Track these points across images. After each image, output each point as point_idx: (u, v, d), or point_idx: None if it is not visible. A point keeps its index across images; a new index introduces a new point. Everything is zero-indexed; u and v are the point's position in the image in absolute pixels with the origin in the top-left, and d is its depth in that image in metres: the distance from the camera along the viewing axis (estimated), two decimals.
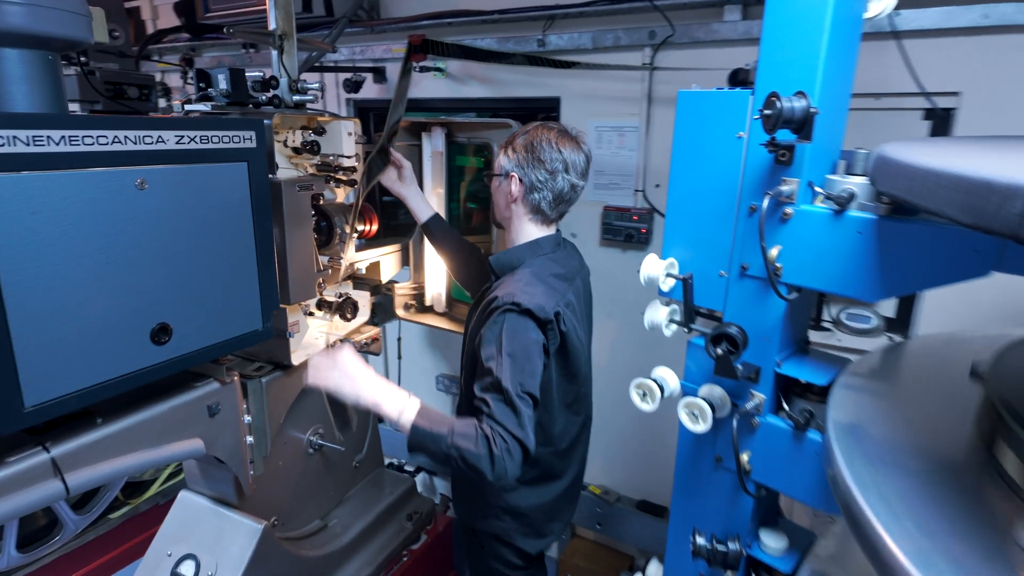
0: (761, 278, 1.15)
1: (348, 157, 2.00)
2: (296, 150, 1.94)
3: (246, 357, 1.97)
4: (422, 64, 2.55)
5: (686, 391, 1.32)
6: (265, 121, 1.68)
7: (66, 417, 1.30)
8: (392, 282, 2.39)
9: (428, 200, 2.36)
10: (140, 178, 1.29)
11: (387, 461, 2.77)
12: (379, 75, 2.79)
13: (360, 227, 2.18)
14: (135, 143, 1.28)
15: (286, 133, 1.93)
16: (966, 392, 0.99)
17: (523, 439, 1.27)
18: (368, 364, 1.56)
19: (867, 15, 1.16)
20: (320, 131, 1.96)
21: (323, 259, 2.03)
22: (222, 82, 1.70)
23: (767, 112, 0.99)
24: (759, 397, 1.21)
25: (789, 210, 1.10)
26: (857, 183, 1.06)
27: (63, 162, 1.16)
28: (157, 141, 1.32)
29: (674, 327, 1.29)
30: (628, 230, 2.40)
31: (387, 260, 2.35)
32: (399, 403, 1.38)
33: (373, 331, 2.27)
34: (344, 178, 1.99)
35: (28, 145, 1.10)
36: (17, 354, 1.13)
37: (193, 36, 3.14)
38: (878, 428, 0.97)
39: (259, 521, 1.91)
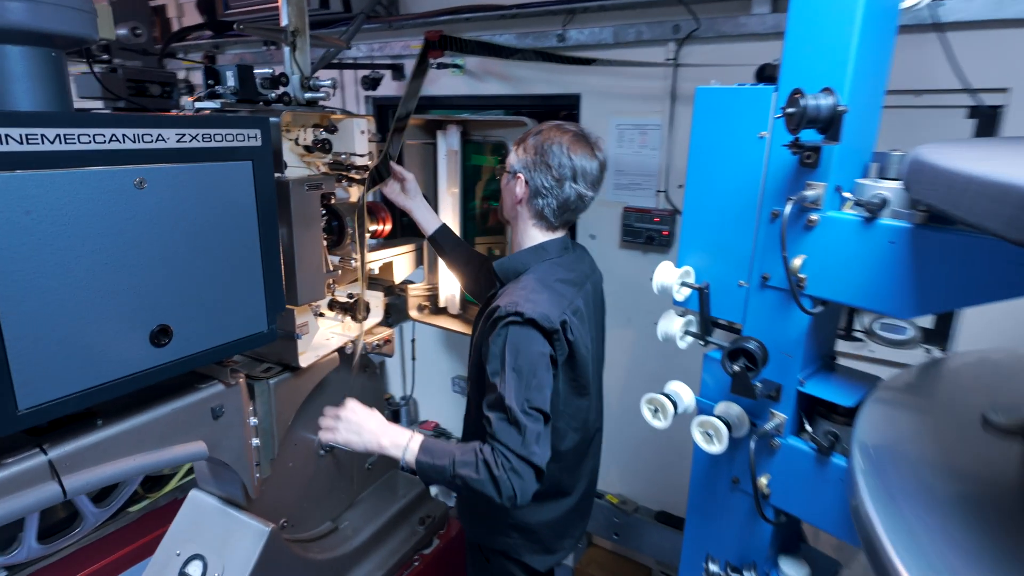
0: (783, 289, 1.07)
1: (361, 156, 1.96)
2: (308, 148, 1.90)
3: (255, 357, 1.94)
4: (440, 61, 2.50)
5: (701, 408, 1.24)
6: (271, 119, 1.64)
7: (66, 418, 1.28)
8: (406, 282, 2.35)
9: (441, 203, 2.32)
10: (139, 177, 1.26)
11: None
12: (397, 72, 2.75)
13: (373, 227, 2.14)
14: (134, 141, 1.25)
15: (297, 131, 1.90)
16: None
17: (528, 457, 1.21)
18: (373, 409, 1.57)
19: (904, 5, 1.07)
20: (332, 129, 1.92)
21: (334, 259, 1.99)
22: (230, 79, 1.67)
23: (790, 110, 0.90)
24: (780, 417, 1.12)
25: (814, 217, 1.01)
26: (890, 188, 0.97)
27: (58, 161, 1.13)
28: (157, 140, 1.29)
29: (689, 339, 1.21)
30: (649, 232, 2.32)
31: (401, 260, 2.31)
32: (401, 443, 1.40)
33: (386, 332, 2.23)
34: (357, 177, 1.95)
35: (21, 144, 1.08)
36: (10, 356, 1.10)
37: (215, 33, 3.14)
38: (909, 457, 0.89)
39: (266, 524, 1.89)
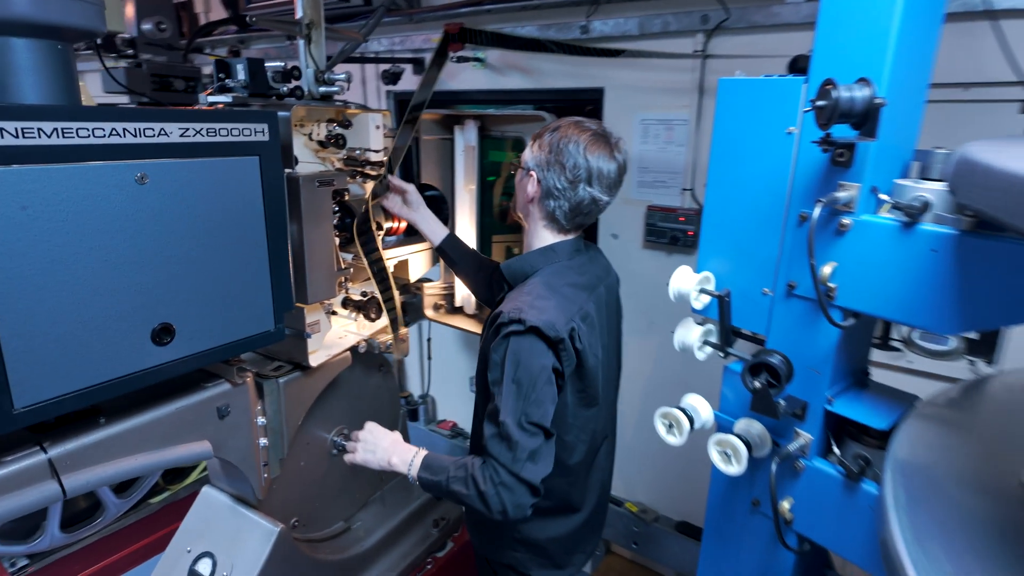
0: (811, 299, 0.98)
1: (376, 151, 1.91)
2: (321, 143, 1.86)
3: (266, 355, 1.92)
4: (460, 54, 2.44)
5: (720, 424, 1.16)
6: (280, 113, 1.61)
7: (68, 416, 1.26)
8: (422, 281, 2.30)
9: (458, 200, 2.26)
10: (140, 172, 1.23)
11: None
12: (418, 66, 2.71)
13: (388, 224, 2.10)
14: (135, 136, 1.22)
15: (311, 126, 1.86)
16: None
17: (518, 472, 1.16)
18: (395, 432, 1.58)
19: None
20: (346, 124, 1.87)
21: (348, 257, 1.95)
22: (240, 73, 1.63)
23: (820, 103, 0.82)
24: (805, 437, 1.04)
25: (847, 220, 0.92)
26: (933, 190, 0.87)
27: (55, 155, 1.11)
28: (159, 134, 1.26)
29: (708, 350, 1.13)
30: (674, 232, 2.22)
31: (416, 258, 2.26)
32: (407, 460, 1.41)
33: (400, 331, 2.19)
34: (372, 173, 1.90)
35: (17, 137, 1.05)
36: (6, 355, 1.08)
37: (240, 28, 3.14)
38: (947, 490, 0.80)
39: (276, 524, 1.86)
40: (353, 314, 2.03)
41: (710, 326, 1.14)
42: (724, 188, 1.09)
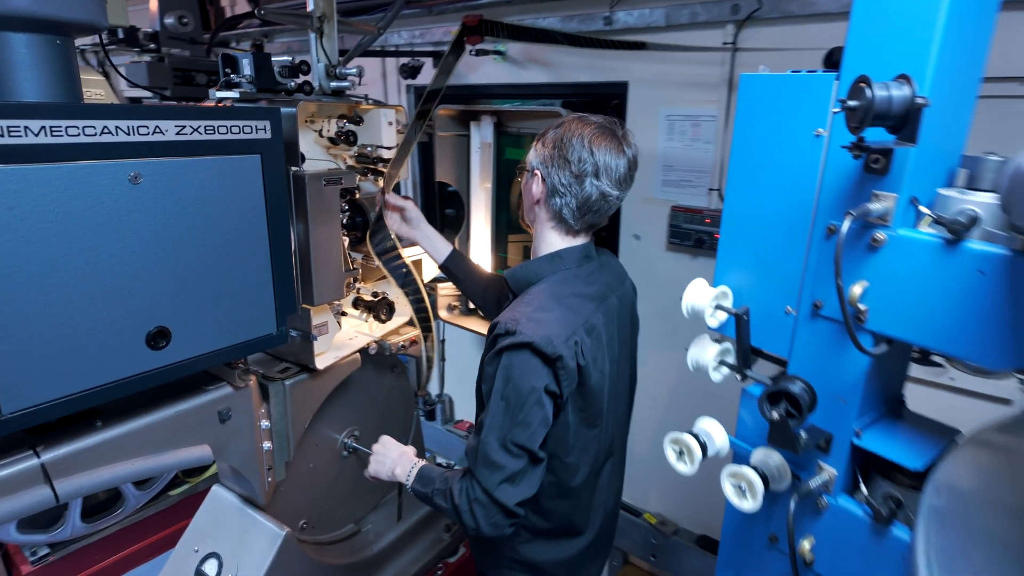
0: (839, 321, 0.88)
1: (388, 148, 1.85)
2: (332, 140, 1.82)
3: (275, 356, 1.89)
4: (479, 47, 2.36)
5: (736, 452, 1.06)
6: (284, 109, 1.56)
7: (64, 419, 1.24)
8: (436, 281, 2.25)
9: (473, 198, 2.20)
10: (134, 172, 1.20)
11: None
12: (438, 60, 2.63)
13: None
14: (127, 134, 1.18)
15: (322, 122, 1.81)
16: None
17: (494, 493, 1.12)
18: (410, 447, 1.56)
19: None
20: (357, 120, 1.82)
21: (358, 256, 1.90)
22: (246, 67, 1.59)
23: (852, 103, 0.72)
24: (829, 472, 0.94)
25: (881, 235, 0.82)
26: (982, 202, 0.76)
27: (43, 155, 1.08)
28: (154, 132, 1.22)
29: (725, 371, 1.04)
30: (699, 234, 2.11)
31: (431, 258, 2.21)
32: (407, 471, 1.42)
33: (412, 333, 2.14)
34: (384, 170, 1.85)
35: (2, 136, 1.02)
36: None
37: (263, 22, 3.12)
38: (990, 544, 0.70)
39: (282, 527, 1.84)
40: (364, 315, 1.99)
41: (728, 344, 1.05)
42: (745, 195, 0.99)
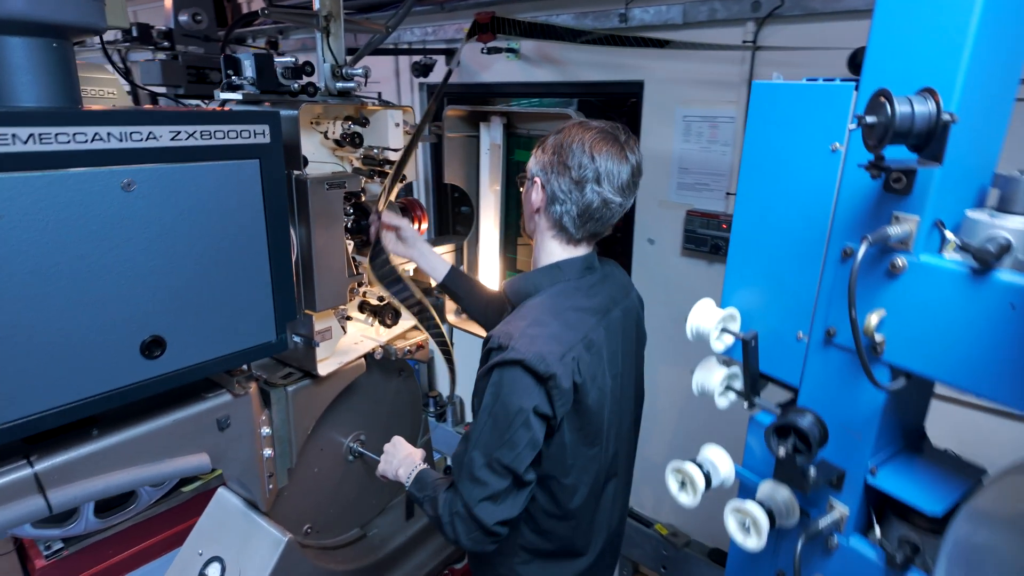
0: (853, 351, 0.82)
1: (395, 150, 1.81)
2: (337, 142, 1.78)
3: (279, 360, 1.87)
4: (492, 45, 2.30)
5: (743, 482, 1.00)
6: (284, 112, 1.52)
7: (59, 428, 1.23)
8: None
9: (483, 201, 2.14)
10: (127, 179, 1.17)
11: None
12: (451, 57, 2.58)
13: None
14: (120, 140, 1.16)
15: (328, 123, 1.77)
16: None
17: (474, 510, 1.09)
18: (419, 451, 1.54)
19: None
20: (362, 122, 1.78)
21: (364, 260, 1.87)
22: (248, 69, 1.56)
23: (870, 120, 0.65)
24: (841, 510, 0.87)
25: (901, 260, 0.75)
26: (1015, 228, 0.69)
27: (32, 162, 1.06)
28: (148, 138, 1.20)
29: (732, 396, 0.98)
30: (715, 240, 2.04)
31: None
32: (409, 470, 1.41)
33: (419, 337, 2.10)
34: (391, 172, 1.80)
35: None
36: None
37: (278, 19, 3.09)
38: None
39: (284, 533, 1.82)
40: (370, 319, 1.96)
41: (736, 368, 0.99)
42: (755, 211, 0.93)
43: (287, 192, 1.54)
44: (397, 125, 1.82)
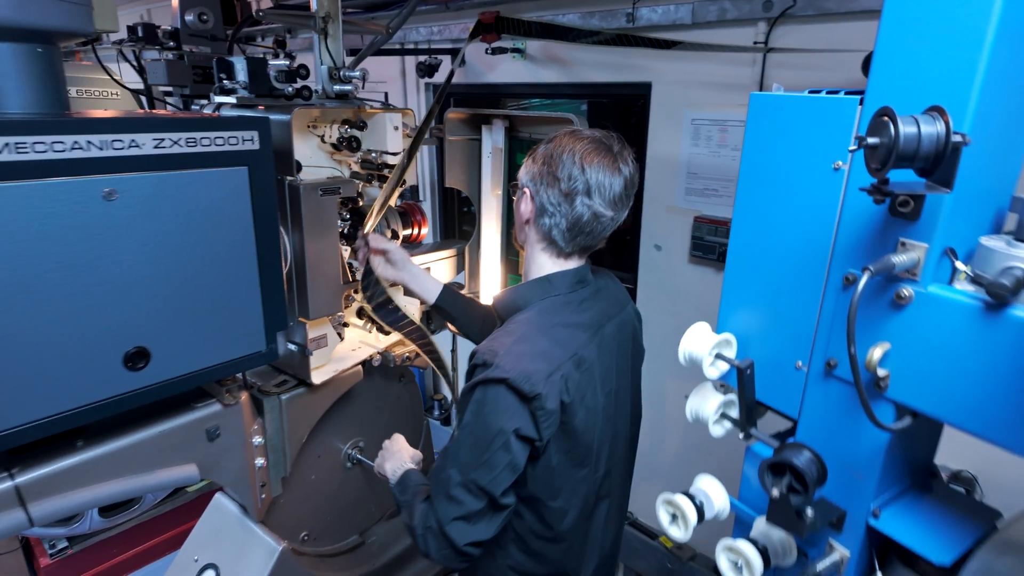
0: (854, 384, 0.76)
1: (395, 154, 1.77)
2: (335, 146, 1.74)
3: (274, 368, 1.84)
4: (497, 45, 2.25)
5: (738, 515, 0.95)
6: (275, 117, 1.49)
7: (42, 440, 1.21)
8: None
9: (484, 207, 2.09)
10: (108, 188, 1.15)
11: None
12: (455, 57, 2.54)
13: (407, 231, 1.96)
14: (100, 148, 1.13)
15: (325, 127, 1.73)
16: None
17: (446, 528, 1.06)
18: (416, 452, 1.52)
19: None
20: (359, 125, 1.74)
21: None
22: (240, 73, 1.52)
23: (871, 141, 0.59)
24: (841, 553, 0.82)
25: (907, 291, 0.69)
26: None
27: (8, 173, 1.03)
28: (130, 146, 1.17)
29: (727, 425, 0.92)
30: (723, 248, 1.97)
31: (440, 266, 2.13)
32: (395, 468, 1.39)
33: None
34: (390, 179, 1.76)
35: None
36: None
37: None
38: None
39: (279, 542, 1.80)
40: (368, 325, 1.92)
41: (732, 396, 0.93)
42: (753, 231, 0.87)
43: (279, 198, 1.51)
44: (396, 128, 1.78)
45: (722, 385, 0.96)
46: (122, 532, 2.75)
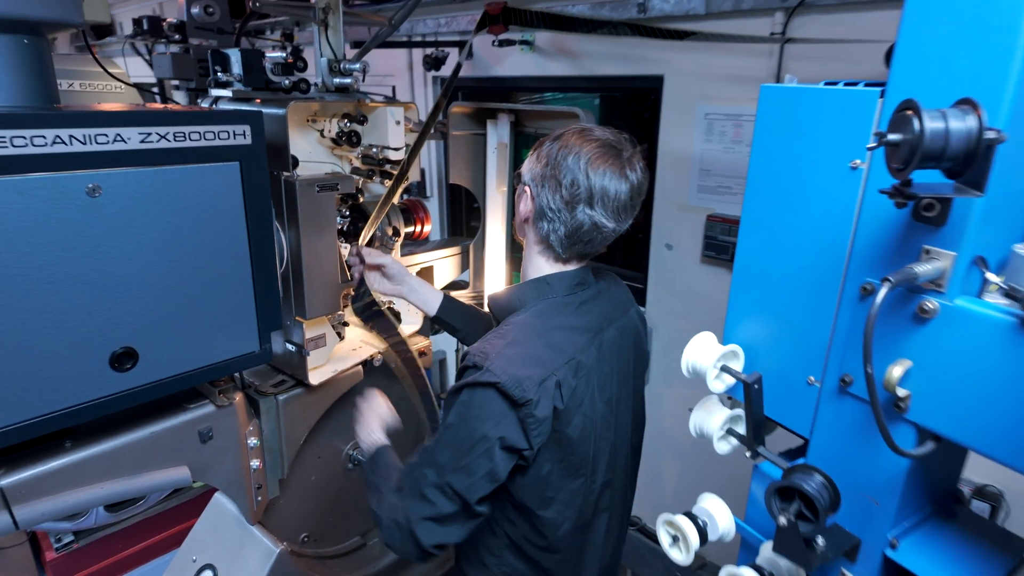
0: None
1: (396, 149, 1.72)
2: (335, 141, 1.70)
3: (273, 367, 1.81)
4: (504, 37, 2.19)
5: (745, 539, 0.89)
6: (269, 111, 1.45)
7: (28, 441, 1.18)
8: (449, 288, 2.12)
9: (489, 203, 2.03)
10: (92, 184, 1.11)
11: None
12: (463, 49, 2.48)
13: (409, 228, 1.92)
14: (83, 143, 1.10)
15: (324, 121, 1.69)
16: None
17: (414, 527, 1.01)
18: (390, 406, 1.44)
19: None
20: (359, 119, 1.69)
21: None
22: (234, 65, 1.48)
23: (893, 138, 0.53)
24: None
25: (932, 303, 0.63)
26: None
27: None
28: (115, 140, 1.13)
29: (734, 442, 0.86)
30: None
31: (444, 264, 2.08)
32: (368, 443, 1.33)
33: (423, 343, 2.03)
34: (394, 172, 1.72)
35: None
36: None
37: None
38: None
39: (277, 544, 1.77)
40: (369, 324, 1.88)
41: (739, 411, 0.87)
42: (762, 235, 0.80)
43: (275, 195, 1.48)
44: (398, 123, 1.73)
45: (729, 398, 0.90)
46: (127, 527, 2.75)
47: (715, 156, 1.93)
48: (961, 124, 0.51)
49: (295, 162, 1.55)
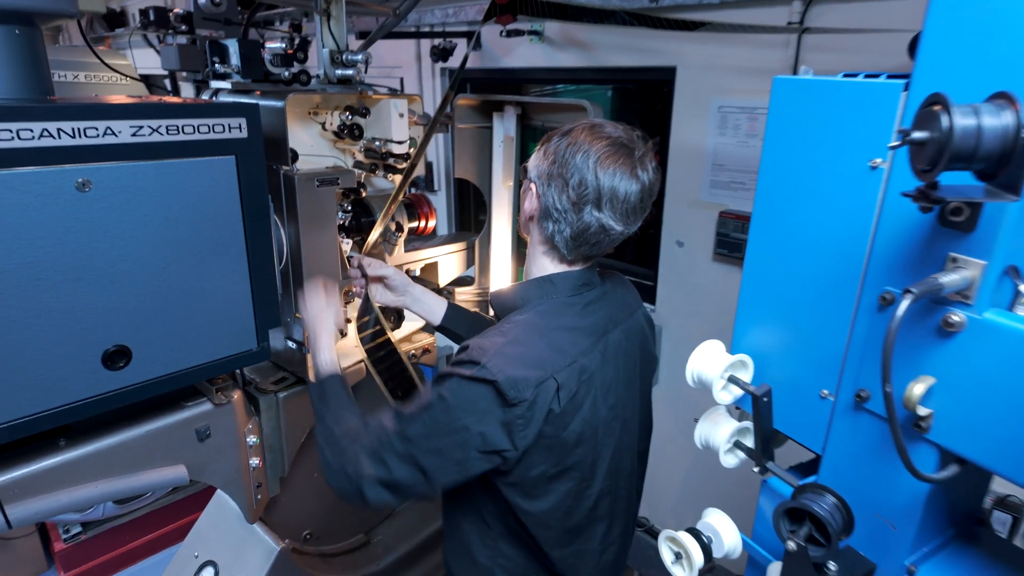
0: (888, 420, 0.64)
1: (400, 142, 1.68)
2: (337, 134, 1.67)
3: (275, 364, 1.79)
4: (513, 27, 2.14)
5: (752, 558, 0.84)
6: (266, 103, 1.41)
7: (20, 440, 1.17)
8: (454, 285, 2.08)
9: (496, 198, 1.99)
10: (82, 178, 1.09)
11: None
12: (471, 39, 2.43)
13: (413, 224, 1.88)
14: (72, 136, 1.07)
15: (326, 114, 1.66)
16: None
17: (364, 487, 0.99)
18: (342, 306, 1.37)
19: None
20: (361, 112, 1.65)
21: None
22: (232, 56, 1.45)
23: (918, 136, 0.48)
24: None
25: (958, 316, 0.57)
26: None
27: None
28: (105, 134, 1.10)
29: (740, 455, 0.82)
30: None
31: (448, 260, 2.04)
32: (320, 361, 1.29)
33: (427, 340, 2.00)
34: (398, 166, 1.68)
35: None
36: None
37: None
38: None
39: (278, 542, 1.76)
40: None
41: (748, 423, 0.82)
42: (774, 237, 0.75)
43: (274, 189, 1.44)
44: (401, 115, 1.68)
45: (737, 408, 0.85)
46: (135, 519, 2.76)
47: (729, 150, 1.87)
48: (996, 121, 0.46)
49: (294, 156, 1.51)
